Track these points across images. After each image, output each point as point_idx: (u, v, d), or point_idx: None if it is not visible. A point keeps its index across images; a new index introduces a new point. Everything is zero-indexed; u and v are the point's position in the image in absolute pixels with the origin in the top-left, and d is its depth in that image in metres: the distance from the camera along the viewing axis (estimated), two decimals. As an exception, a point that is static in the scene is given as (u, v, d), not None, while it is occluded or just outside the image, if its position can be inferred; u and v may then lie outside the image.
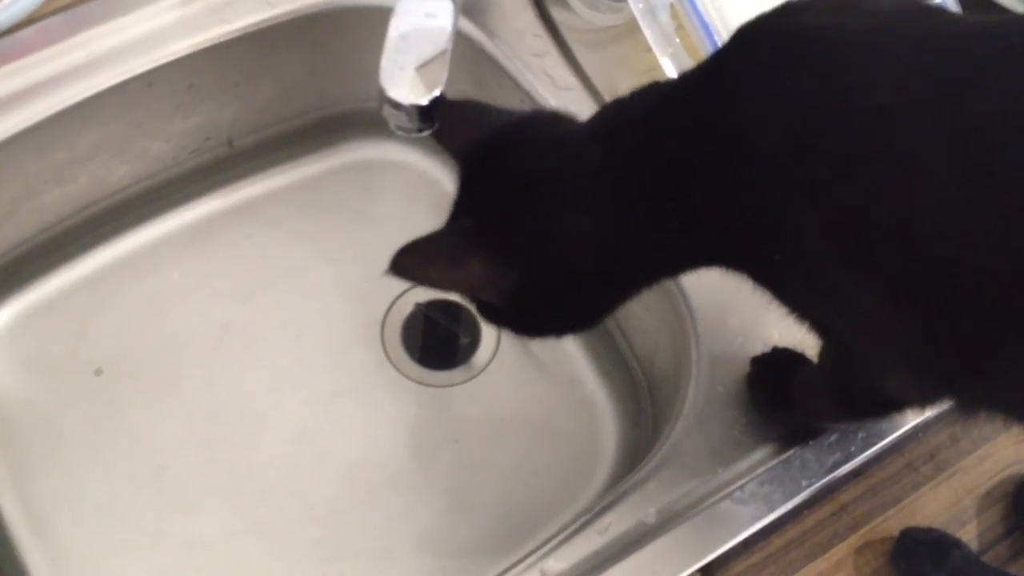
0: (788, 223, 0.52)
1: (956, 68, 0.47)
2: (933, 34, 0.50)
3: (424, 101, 0.66)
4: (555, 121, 0.66)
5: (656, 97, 0.60)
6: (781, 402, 0.75)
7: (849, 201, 0.48)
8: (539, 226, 0.60)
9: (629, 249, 0.61)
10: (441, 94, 0.67)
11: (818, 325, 0.62)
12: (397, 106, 0.66)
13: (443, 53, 0.68)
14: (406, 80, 0.67)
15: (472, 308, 0.95)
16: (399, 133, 0.69)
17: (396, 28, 0.69)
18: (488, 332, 0.98)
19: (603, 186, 0.59)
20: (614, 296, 0.66)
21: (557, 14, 0.92)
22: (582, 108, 0.88)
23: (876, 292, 0.51)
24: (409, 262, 0.61)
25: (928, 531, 0.75)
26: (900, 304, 0.50)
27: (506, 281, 0.62)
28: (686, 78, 0.59)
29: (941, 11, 0.54)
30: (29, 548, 0.85)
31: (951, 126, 0.46)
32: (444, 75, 0.67)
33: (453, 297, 0.99)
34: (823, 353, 0.70)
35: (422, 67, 0.67)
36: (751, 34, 0.55)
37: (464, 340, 0.98)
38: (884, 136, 0.47)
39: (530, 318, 0.67)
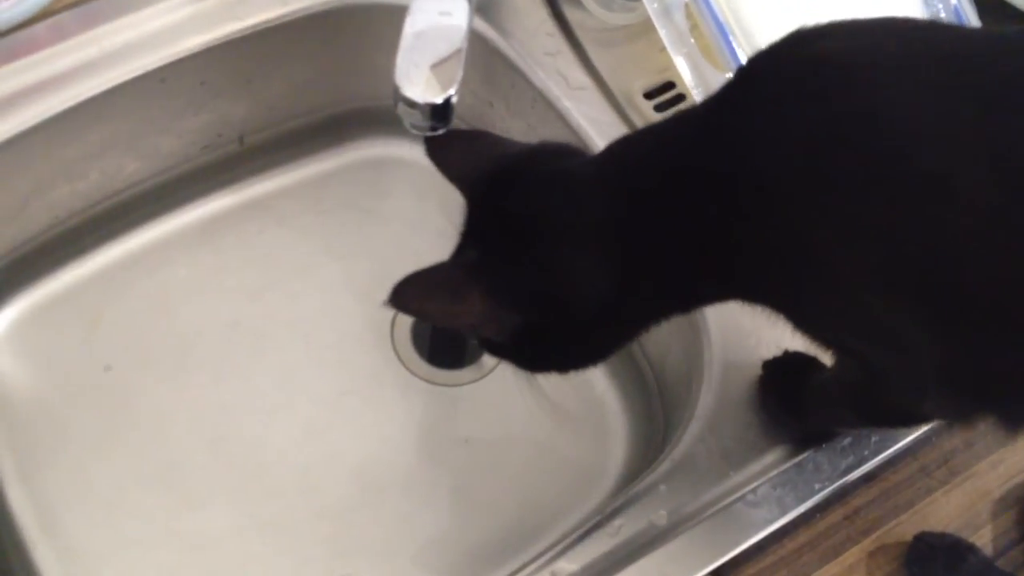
0: (816, 253, 0.51)
1: (983, 86, 0.47)
2: (956, 53, 0.49)
3: (439, 100, 0.66)
4: (562, 154, 0.64)
5: (665, 133, 0.59)
6: (793, 406, 0.75)
7: (882, 227, 0.48)
8: (542, 266, 0.59)
9: (638, 289, 0.59)
10: (455, 93, 0.66)
11: (844, 350, 0.61)
12: (412, 104, 0.66)
13: (458, 52, 0.68)
14: (421, 78, 0.66)
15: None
16: (413, 131, 0.69)
17: (411, 26, 0.68)
18: (498, 331, 0.98)
19: (610, 225, 0.57)
20: (620, 336, 0.65)
21: (571, 13, 0.92)
22: (595, 107, 0.88)
23: (913, 315, 0.50)
24: (408, 295, 0.60)
25: (942, 536, 0.75)
26: (939, 325, 0.50)
27: (507, 320, 0.61)
28: (696, 113, 0.58)
29: (960, 28, 0.53)
30: (37, 544, 0.85)
31: (983, 144, 0.46)
32: (459, 74, 0.67)
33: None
34: (844, 369, 0.68)
35: (437, 65, 0.67)
36: (765, 65, 0.54)
37: (473, 340, 0.98)
38: (914, 159, 0.47)
39: (532, 355, 0.66)
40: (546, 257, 0.59)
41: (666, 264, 0.57)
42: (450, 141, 0.68)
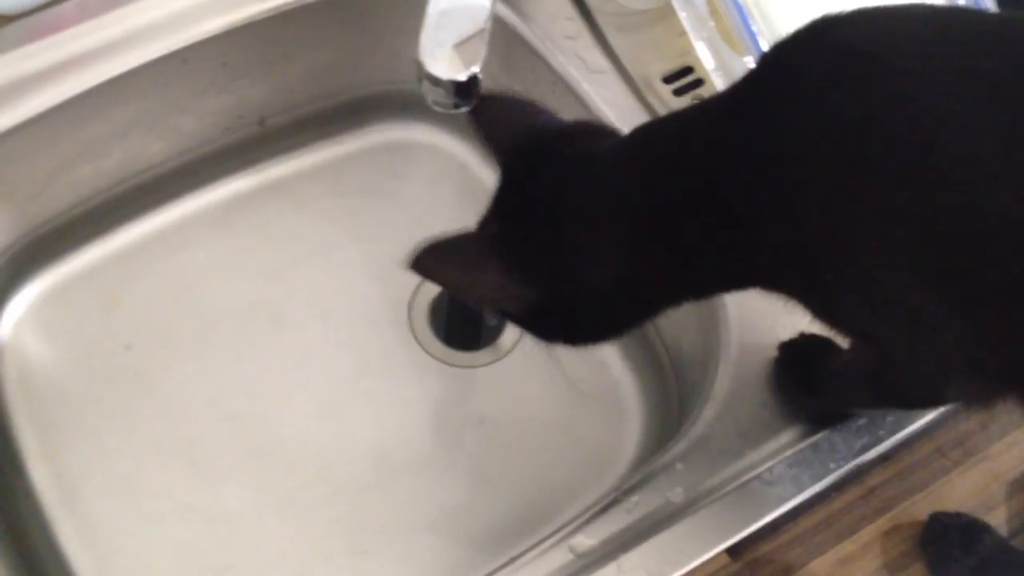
0: (842, 240, 0.51)
1: (1011, 70, 0.47)
2: (981, 37, 0.49)
3: (462, 77, 0.66)
4: (595, 134, 0.65)
5: (690, 120, 0.59)
6: (809, 388, 0.75)
7: (915, 214, 0.48)
8: (560, 245, 0.60)
9: (654, 274, 0.60)
10: (479, 71, 0.67)
11: (864, 337, 0.61)
12: (436, 82, 0.67)
13: (482, 31, 0.68)
14: (445, 56, 0.67)
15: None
16: (436, 109, 0.69)
17: (436, 5, 0.69)
18: (515, 314, 0.98)
19: (633, 210, 0.58)
20: (635, 316, 0.65)
21: (590, -3, 0.92)
22: (614, 91, 0.89)
23: (940, 297, 0.50)
24: (428, 261, 0.61)
25: (957, 515, 0.75)
26: (967, 307, 0.50)
27: (523, 294, 0.61)
28: (719, 101, 0.58)
29: (982, 13, 0.53)
30: (59, 519, 0.86)
31: (1009, 127, 0.46)
32: (483, 52, 0.67)
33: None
34: (862, 355, 0.68)
35: (461, 44, 0.68)
36: (790, 53, 0.54)
37: (491, 321, 0.98)
38: (947, 145, 0.47)
39: (548, 328, 0.67)
40: (565, 236, 0.59)
41: (684, 251, 0.58)
42: (494, 107, 0.68)
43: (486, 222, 0.64)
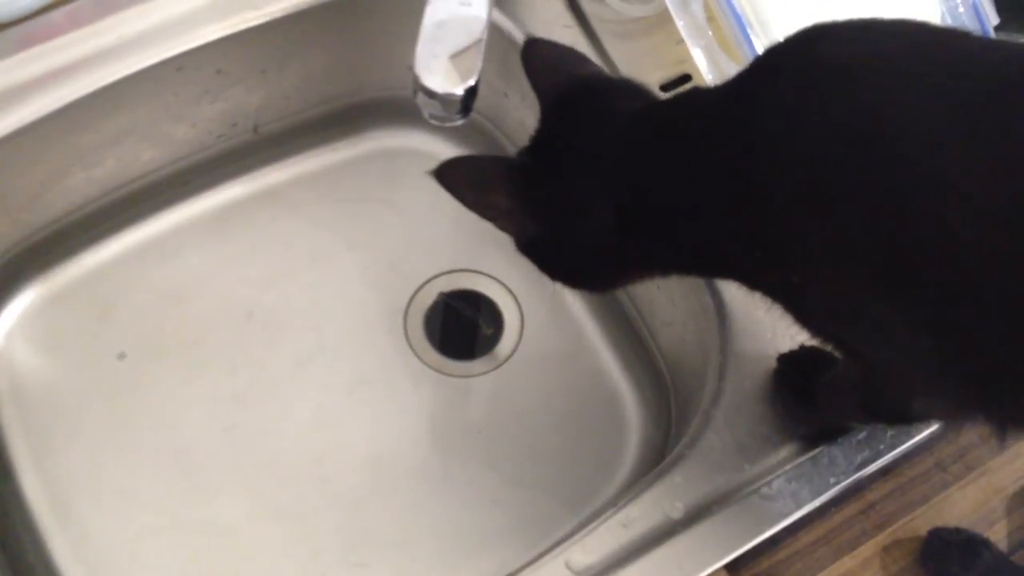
0: (809, 248, 0.52)
1: (988, 93, 0.47)
2: (962, 59, 0.50)
3: (459, 90, 0.66)
4: (629, 94, 0.67)
5: (690, 106, 0.61)
6: (806, 400, 0.75)
7: (880, 227, 0.49)
8: (565, 189, 0.63)
9: (641, 243, 0.63)
10: (476, 83, 0.66)
11: (838, 344, 0.62)
12: (431, 95, 0.66)
13: (478, 42, 0.68)
14: (441, 69, 0.66)
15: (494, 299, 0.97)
16: (432, 122, 0.69)
17: (432, 16, 0.68)
18: (511, 323, 0.98)
19: (631, 174, 0.61)
20: (621, 274, 0.69)
21: (587, 5, 0.91)
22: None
23: (905, 313, 0.51)
24: (450, 173, 0.66)
25: (957, 531, 0.75)
26: (931, 325, 0.50)
27: (525, 225, 0.66)
28: (719, 92, 0.59)
29: (966, 34, 0.54)
30: (51, 531, 0.85)
31: (985, 149, 0.46)
32: (479, 64, 0.67)
33: (475, 288, 0.99)
34: (849, 364, 0.69)
35: (457, 56, 0.67)
36: (776, 59, 0.55)
37: (486, 331, 0.98)
38: (916, 162, 0.47)
39: (547, 262, 0.70)
40: (570, 183, 0.63)
41: (673, 227, 0.60)
42: (543, 51, 0.71)
43: (521, 152, 0.68)
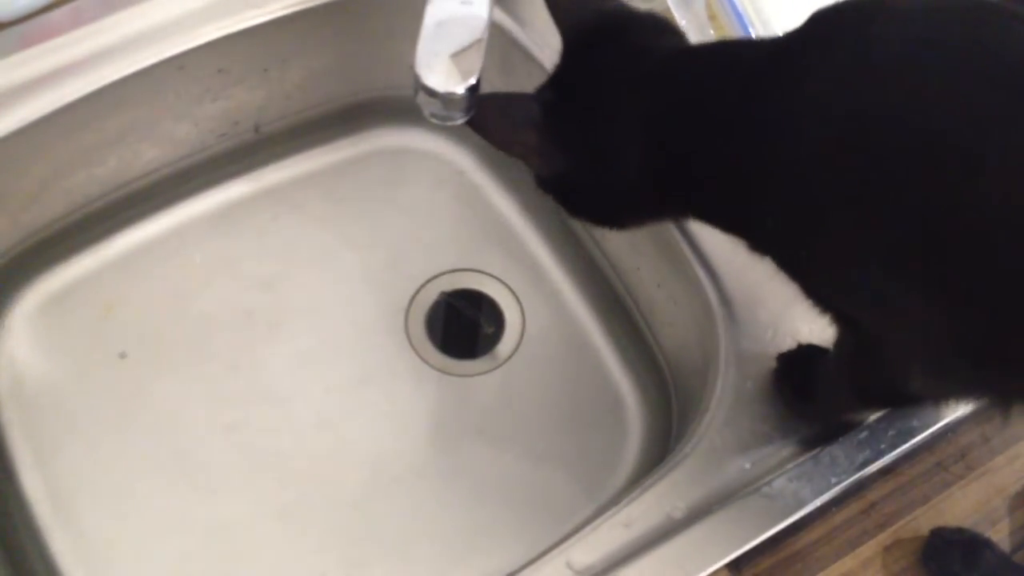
0: (831, 218, 0.53)
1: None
2: (1007, 40, 0.50)
3: (459, 90, 0.65)
4: (657, 30, 0.68)
5: (733, 58, 0.62)
6: (807, 397, 0.75)
7: (912, 203, 0.49)
8: (595, 126, 0.64)
9: (666, 183, 0.64)
10: (477, 83, 0.66)
11: (841, 316, 0.62)
12: (432, 94, 0.66)
13: (479, 41, 0.67)
14: (442, 68, 0.66)
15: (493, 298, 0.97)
16: (433, 121, 0.68)
17: (432, 15, 0.68)
18: (512, 322, 0.98)
19: (665, 118, 0.61)
20: (645, 211, 0.70)
21: (589, 3, 0.91)
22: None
23: (918, 288, 0.51)
24: (482, 111, 0.67)
25: (959, 531, 0.75)
26: (943, 300, 0.51)
27: (553, 160, 0.67)
28: (765, 50, 0.60)
29: (1015, 14, 0.53)
30: (52, 530, 0.85)
31: (1015, 129, 0.46)
32: (480, 64, 0.66)
33: (477, 287, 0.99)
34: (840, 342, 0.69)
35: (458, 55, 0.67)
36: (829, 31, 0.55)
37: (488, 330, 0.98)
38: (946, 137, 0.48)
39: (570, 198, 0.71)
40: (599, 119, 0.64)
41: (698, 175, 0.62)
42: None
43: (543, 89, 0.69)
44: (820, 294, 0.61)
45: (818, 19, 0.56)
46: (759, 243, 0.62)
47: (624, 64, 0.64)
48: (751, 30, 0.82)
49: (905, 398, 0.70)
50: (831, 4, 0.56)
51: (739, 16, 0.82)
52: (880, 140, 0.50)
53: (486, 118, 0.68)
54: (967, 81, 0.48)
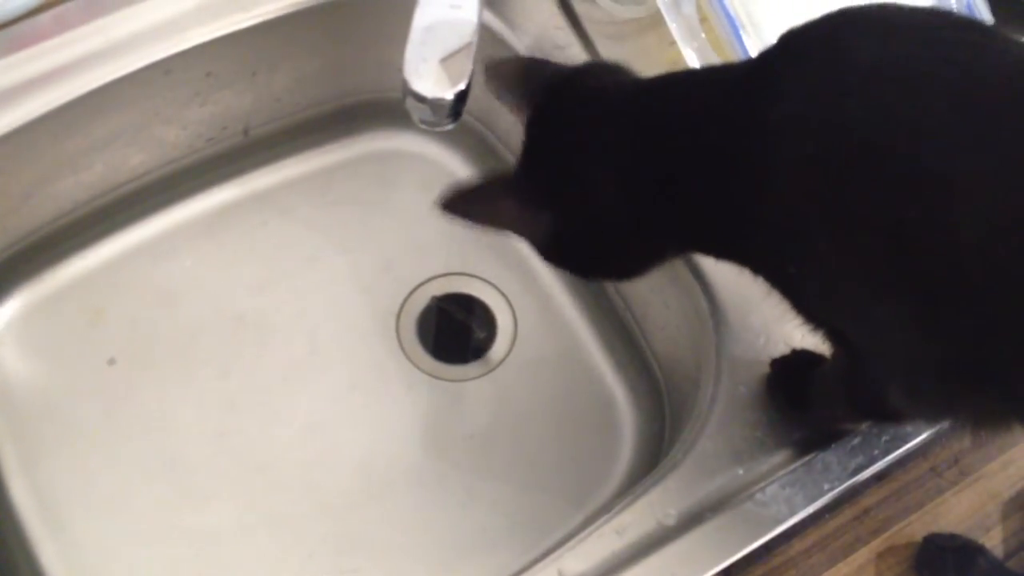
0: (810, 237, 0.52)
1: (1004, 99, 0.48)
2: (981, 60, 0.50)
3: (449, 95, 0.65)
4: (607, 72, 0.67)
5: (706, 82, 0.61)
6: (800, 403, 0.75)
7: (885, 224, 0.49)
8: (569, 172, 0.63)
9: (648, 217, 0.62)
10: (467, 88, 0.65)
11: (832, 333, 0.62)
12: (421, 99, 0.66)
13: (468, 46, 0.67)
14: (431, 73, 0.66)
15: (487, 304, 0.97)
16: (422, 126, 0.68)
17: (421, 20, 0.68)
18: (504, 327, 0.97)
19: (635, 150, 0.60)
20: (648, 254, 0.68)
21: (579, 6, 0.91)
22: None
23: (894, 307, 0.51)
24: (454, 201, 0.66)
25: (952, 537, 0.74)
26: (919, 321, 0.51)
27: (538, 221, 0.65)
28: (739, 70, 0.60)
29: (985, 29, 0.54)
30: (40, 538, 0.85)
31: (1000, 156, 0.46)
32: (469, 68, 0.66)
33: (468, 291, 0.98)
34: (836, 356, 0.70)
35: (447, 60, 0.66)
36: (801, 46, 0.55)
37: (479, 334, 0.97)
38: (929, 163, 0.47)
39: (571, 259, 0.70)
40: (568, 164, 0.63)
41: (675, 202, 0.60)
42: (501, 71, 0.70)
43: (515, 167, 0.68)
44: (808, 312, 0.61)
45: (788, 38, 0.56)
46: (751, 264, 0.61)
47: (579, 109, 0.63)
48: (742, 33, 0.81)
49: (884, 412, 0.70)
50: (802, 23, 0.55)
51: (730, 19, 0.82)
52: (852, 160, 0.50)
53: (462, 205, 0.67)
54: (940, 99, 0.48)
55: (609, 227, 0.64)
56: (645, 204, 0.61)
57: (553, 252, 0.69)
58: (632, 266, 0.69)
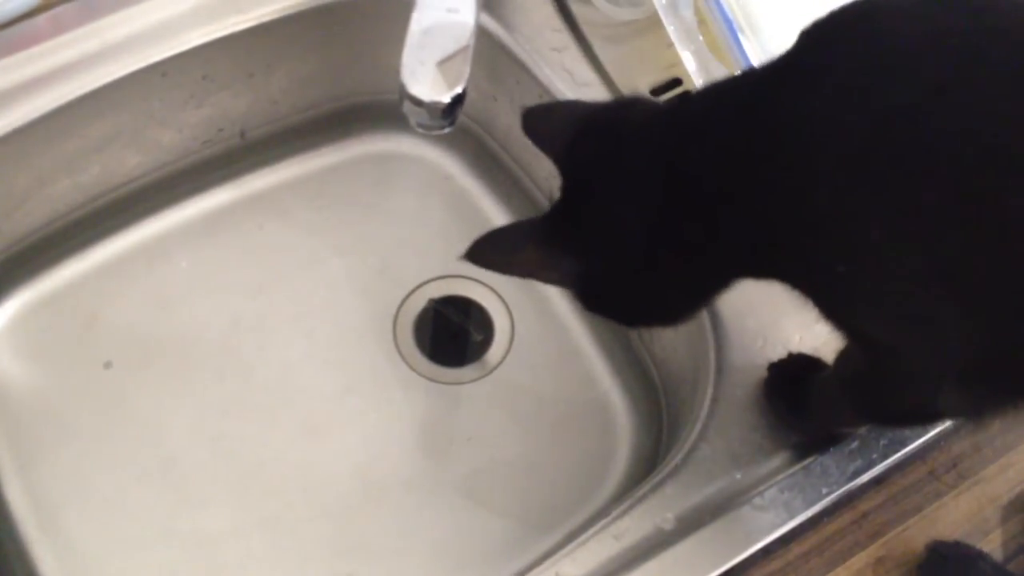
0: (860, 233, 0.50)
1: None
2: (1013, 22, 0.48)
3: (446, 98, 0.65)
4: (631, 105, 0.65)
5: (720, 97, 0.59)
6: (798, 408, 0.74)
7: (937, 211, 0.47)
8: (593, 214, 0.61)
9: (688, 248, 0.59)
10: (463, 91, 0.65)
11: (860, 335, 0.60)
12: (418, 103, 0.65)
13: (465, 49, 0.67)
14: (428, 76, 0.65)
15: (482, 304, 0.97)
16: (419, 130, 0.68)
17: (418, 23, 0.67)
18: (501, 330, 0.97)
19: (656, 182, 0.58)
20: (681, 294, 0.65)
21: (577, 8, 0.91)
22: (602, 104, 0.87)
23: (956, 303, 0.49)
24: (478, 250, 0.65)
25: (955, 545, 0.74)
26: (984, 315, 0.49)
27: (564, 266, 0.63)
28: (755, 78, 0.57)
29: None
30: (36, 542, 0.84)
31: None
32: (466, 72, 0.66)
33: (465, 294, 0.98)
34: (846, 360, 0.68)
35: (444, 63, 0.66)
36: (827, 33, 0.52)
37: (476, 337, 0.97)
38: (988, 142, 0.45)
39: (615, 304, 0.67)
40: (593, 203, 0.61)
41: (710, 229, 0.57)
42: (538, 117, 0.69)
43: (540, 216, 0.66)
44: (847, 315, 0.58)
45: (811, 30, 0.53)
46: (794, 273, 0.58)
47: (604, 146, 0.61)
48: (739, 35, 0.81)
49: (920, 415, 0.67)
50: (824, 15, 0.53)
51: (728, 22, 0.82)
52: (910, 144, 0.47)
53: (487, 254, 0.66)
54: (1000, 71, 0.46)
55: (645, 264, 0.60)
56: (684, 233, 0.58)
57: (592, 300, 0.66)
58: (674, 305, 0.66)
